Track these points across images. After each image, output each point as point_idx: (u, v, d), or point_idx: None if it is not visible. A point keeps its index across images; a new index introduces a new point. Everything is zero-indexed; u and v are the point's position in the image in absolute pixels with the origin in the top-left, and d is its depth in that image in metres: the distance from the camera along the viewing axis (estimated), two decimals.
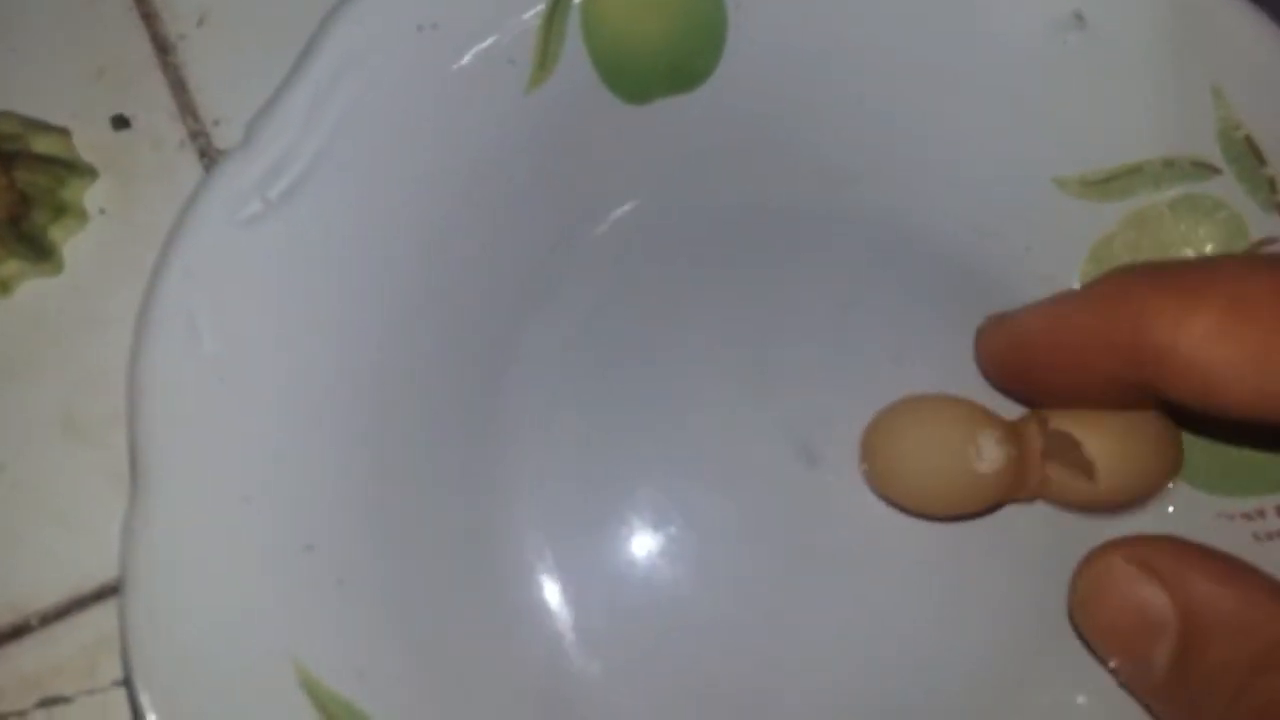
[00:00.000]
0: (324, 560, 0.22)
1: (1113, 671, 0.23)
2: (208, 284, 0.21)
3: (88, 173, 0.27)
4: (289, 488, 0.22)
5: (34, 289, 0.27)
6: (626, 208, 0.26)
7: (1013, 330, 0.24)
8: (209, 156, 0.28)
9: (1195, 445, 0.25)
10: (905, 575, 0.25)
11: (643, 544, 0.25)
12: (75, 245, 0.27)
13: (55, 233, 0.27)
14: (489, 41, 0.24)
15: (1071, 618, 0.23)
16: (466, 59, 0.24)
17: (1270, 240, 0.25)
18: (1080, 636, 0.23)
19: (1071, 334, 0.22)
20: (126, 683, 0.24)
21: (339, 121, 0.22)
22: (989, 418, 0.24)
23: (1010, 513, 0.25)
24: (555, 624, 0.24)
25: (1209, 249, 0.26)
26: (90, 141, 0.27)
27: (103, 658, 0.25)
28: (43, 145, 0.26)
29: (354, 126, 0.22)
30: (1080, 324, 0.22)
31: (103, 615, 0.25)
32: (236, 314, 0.22)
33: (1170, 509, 0.25)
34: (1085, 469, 0.23)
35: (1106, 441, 0.23)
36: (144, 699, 0.21)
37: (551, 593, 0.24)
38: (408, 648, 0.22)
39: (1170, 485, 0.25)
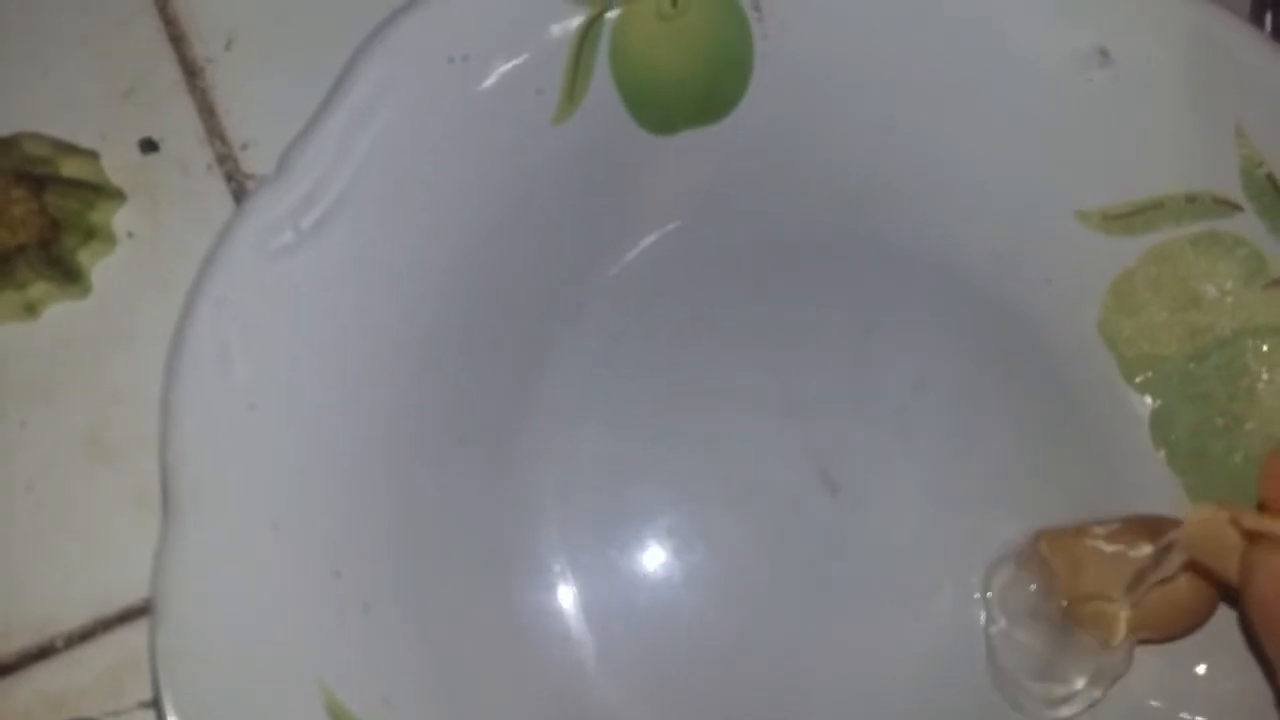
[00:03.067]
0: (351, 586, 0.22)
1: None
2: (240, 313, 0.22)
3: (116, 195, 0.27)
4: (317, 514, 0.22)
5: (62, 312, 0.27)
6: (651, 237, 0.26)
7: None
8: (236, 180, 0.28)
9: (1217, 480, 0.26)
10: (924, 605, 0.25)
11: (665, 570, 0.25)
12: (103, 268, 0.27)
13: (84, 256, 0.27)
14: (518, 73, 0.24)
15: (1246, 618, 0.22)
16: (495, 90, 0.24)
17: None
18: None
19: None
20: (155, 705, 0.24)
21: (370, 153, 0.23)
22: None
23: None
24: (577, 651, 0.24)
25: (1229, 285, 0.26)
26: (119, 164, 0.28)
27: (127, 679, 0.25)
28: (72, 168, 0.27)
29: (385, 158, 0.23)
30: None
31: (127, 636, 0.25)
32: (268, 342, 0.22)
33: None
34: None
35: None
36: None
37: (573, 619, 0.24)
38: (432, 673, 0.23)
39: None
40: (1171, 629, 0.24)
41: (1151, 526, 0.24)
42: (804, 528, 0.25)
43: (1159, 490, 0.26)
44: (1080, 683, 0.24)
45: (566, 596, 0.25)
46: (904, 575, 0.25)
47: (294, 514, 0.22)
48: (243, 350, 0.22)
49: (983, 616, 0.25)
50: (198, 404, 0.21)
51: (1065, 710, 0.25)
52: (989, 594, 0.25)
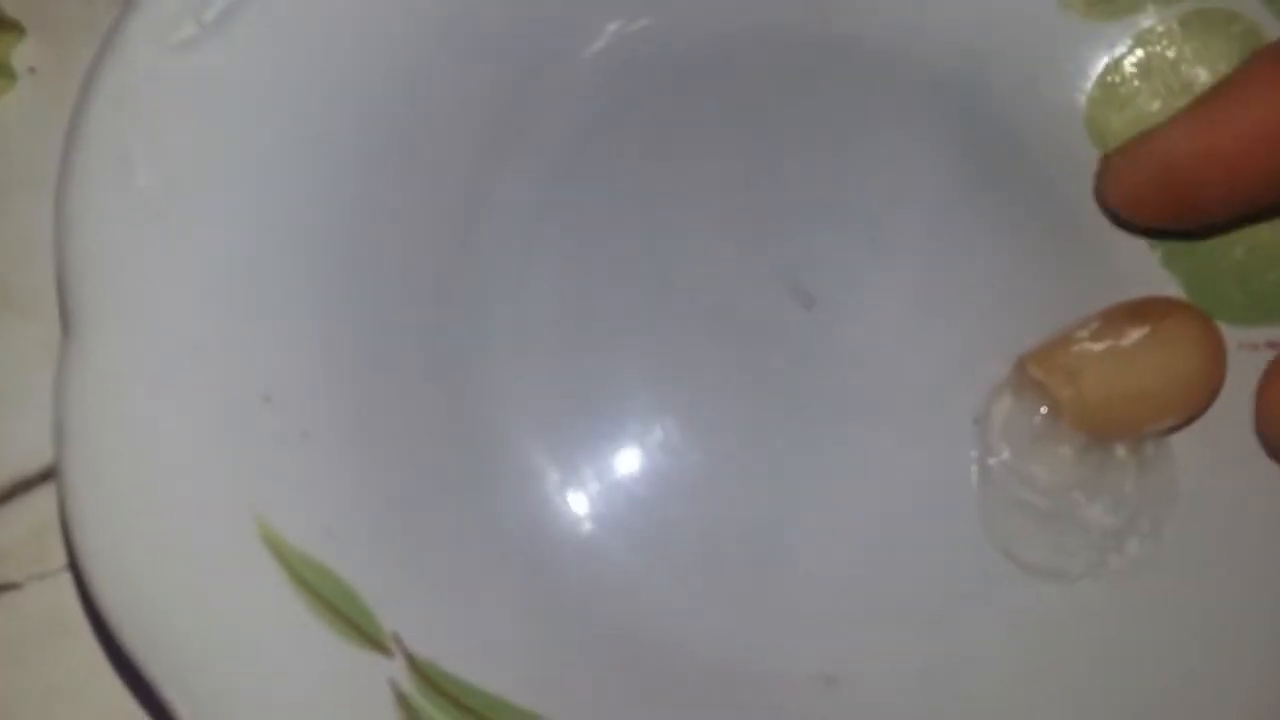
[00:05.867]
0: (286, 412, 0.20)
1: None
2: (139, 113, 0.19)
3: (13, 28, 0.25)
4: (242, 335, 0.20)
5: None
6: (604, 38, 0.24)
7: (1157, 157, 0.22)
8: None
9: (1219, 277, 0.24)
10: (910, 414, 0.23)
11: (633, 400, 0.23)
12: (4, 107, 0.25)
13: None
14: None
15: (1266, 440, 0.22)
16: None
17: None
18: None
19: (1238, 140, 0.20)
20: (73, 561, 0.22)
21: None
22: None
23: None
24: (540, 485, 0.22)
25: (1222, 67, 0.24)
26: None
27: (52, 540, 0.23)
28: None
29: None
30: (1247, 125, 0.20)
31: (50, 497, 0.23)
32: (173, 146, 0.20)
33: None
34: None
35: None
36: (91, 573, 0.19)
37: (535, 453, 0.23)
38: (381, 506, 0.21)
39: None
40: (1183, 398, 0.22)
41: (1134, 309, 0.22)
42: (780, 348, 0.24)
43: (1156, 291, 0.24)
44: (1108, 517, 0.23)
45: (525, 427, 0.23)
46: (887, 392, 0.24)
47: (215, 334, 0.20)
48: (145, 155, 0.19)
49: (977, 453, 0.23)
50: (97, 212, 0.19)
51: (1076, 561, 0.23)
52: (987, 427, 0.23)
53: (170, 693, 0.19)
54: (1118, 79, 0.25)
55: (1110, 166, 0.23)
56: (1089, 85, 0.25)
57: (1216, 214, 0.22)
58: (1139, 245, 0.24)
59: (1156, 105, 0.24)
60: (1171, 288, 0.24)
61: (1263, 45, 0.24)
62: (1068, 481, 0.23)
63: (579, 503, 0.23)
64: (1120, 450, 0.23)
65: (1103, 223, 0.25)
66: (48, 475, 0.23)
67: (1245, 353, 0.23)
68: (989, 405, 0.23)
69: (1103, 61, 0.25)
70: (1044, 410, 0.23)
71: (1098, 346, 0.22)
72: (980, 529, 0.23)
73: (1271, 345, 0.23)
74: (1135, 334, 0.22)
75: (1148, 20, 0.24)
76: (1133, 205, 0.23)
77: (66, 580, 0.23)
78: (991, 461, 0.23)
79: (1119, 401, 0.22)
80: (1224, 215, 0.22)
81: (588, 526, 0.22)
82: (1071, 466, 0.23)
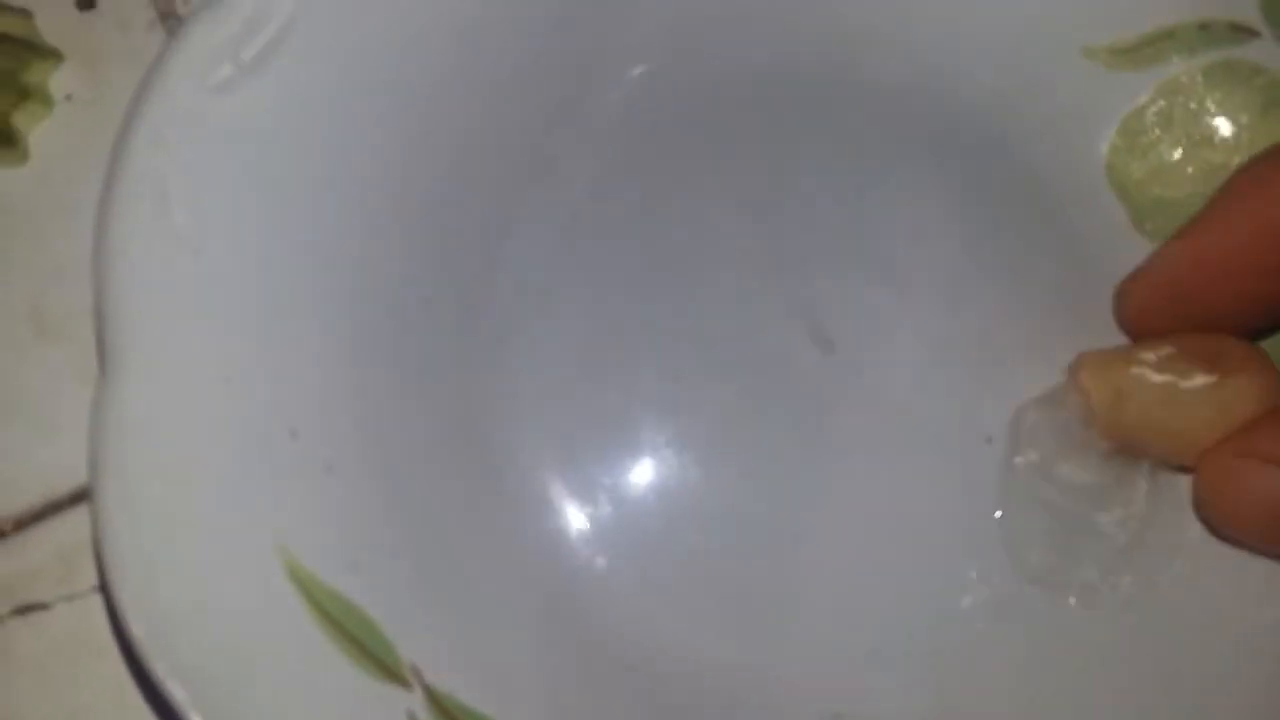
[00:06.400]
0: (311, 446, 0.21)
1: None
2: (178, 152, 0.20)
3: (52, 55, 0.25)
4: (271, 369, 0.20)
5: None
6: (633, 75, 0.24)
7: (1161, 276, 0.22)
8: None
9: None
10: (922, 454, 0.24)
11: (648, 433, 0.23)
12: (41, 133, 0.25)
13: (19, 119, 0.25)
14: None
15: (1205, 523, 0.22)
16: None
17: None
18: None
19: (1232, 251, 0.21)
20: (102, 584, 0.22)
21: None
22: None
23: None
24: (557, 518, 0.23)
25: (1245, 119, 0.24)
26: (54, 23, 0.26)
27: (81, 562, 0.23)
28: (2, 25, 0.25)
29: None
30: (1238, 237, 0.21)
31: (80, 518, 0.24)
32: (210, 184, 0.20)
33: None
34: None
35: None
36: (122, 599, 0.19)
37: (553, 485, 0.23)
38: (403, 539, 0.21)
39: None
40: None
41: (1214, 353, 0.21)
42: (795, 387, 0.24)
43: None
44: (1119, 531, 0.23)
45: (544, 463, 0.23)
46: (901, 433, 0.24)
47: (245, 368, 0.20)
48: (182, 192, 0.20)
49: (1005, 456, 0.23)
50: (135, 250, 0.19)
51: (1083, 571, 0.23)
52: (1017, 427, 0.23)
53: (194, 718, 0.19)
54: (1140, 127, 0.25)
55: (1124, 291, 0.23)
56: (1110, 132, 0.25)
57: (1222, 320, 0.22)
58: None
59: (1177, 154, 0.25)
60: None
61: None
62: (1088, 486, 0.23)
63: (595, 536, 0.23)
64: (1144, 467, 0.23)
65: (1124, 268, 0.25)
66: (78, 497, 0.24)
67: None
68: (1023, 411, 0.23)
69: (1125, 110, 0.25)
70: (1080, 416, 0.22)
71: (1157, 378, 0.22)
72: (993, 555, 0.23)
73: None
74: (1199, 380, 0.21)
75: (1171, 70, 0.24)
76: (1146, 327, 0.23)
77: (95, 602, 0.23)
78: (1018, 460, 0.23)
79: (1153, 433, 0.22)
80: (1231, 321, 0.22)
81: (603, 560, 0.23)
82: (1095, 473, 0.23)
